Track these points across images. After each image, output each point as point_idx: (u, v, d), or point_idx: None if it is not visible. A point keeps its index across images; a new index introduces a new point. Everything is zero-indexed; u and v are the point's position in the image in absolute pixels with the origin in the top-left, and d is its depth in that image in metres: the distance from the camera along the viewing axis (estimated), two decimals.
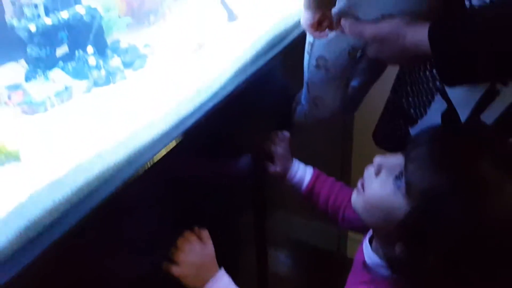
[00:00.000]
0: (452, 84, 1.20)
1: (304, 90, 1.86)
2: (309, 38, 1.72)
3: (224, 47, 2.03)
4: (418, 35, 1.16)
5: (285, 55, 2.05)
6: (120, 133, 1.26)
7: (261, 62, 1.98)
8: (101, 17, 1.80)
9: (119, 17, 2.06)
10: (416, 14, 1.23)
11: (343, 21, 1.33)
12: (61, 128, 1.34)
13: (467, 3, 1.17)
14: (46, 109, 1.43)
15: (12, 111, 1.43)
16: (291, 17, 2.34)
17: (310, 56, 1.73)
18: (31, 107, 1.41)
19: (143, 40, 2.11)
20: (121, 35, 2.09)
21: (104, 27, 1.86)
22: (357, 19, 1.30)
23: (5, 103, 1.45)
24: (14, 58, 1.65)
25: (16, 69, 1.65)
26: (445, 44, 1.13)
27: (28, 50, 1.56)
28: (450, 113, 1.30)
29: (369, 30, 1.28)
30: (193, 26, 2.15)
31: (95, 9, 1.79)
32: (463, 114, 1.26)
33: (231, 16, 2.21)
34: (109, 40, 1.95)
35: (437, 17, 1.19)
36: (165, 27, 2.30)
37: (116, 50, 1.92)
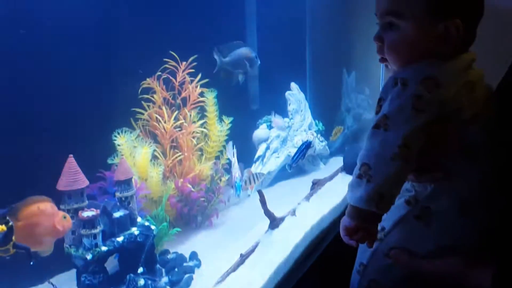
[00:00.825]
0: None
1: None
2: (361, 259, 1.66)
3: (265, 255, 2.08)
4: (480, 279, 1.15)
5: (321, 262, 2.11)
6: None
7: (299, 274, 2.02)
8: (154, 236, 1.89)
9: (169, 225, 2.17)
10: (472, 247, 1.23)
11: (394, 253, 1.32)
12: None
13: None
14: None
15: None
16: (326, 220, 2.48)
17: (361, 277, 1.65)
18: None
19: (190, 245, 2.20)
20: (169, 243, 2.18)
21: (155, 241, 1.94)
22: (409, 251, 1.29)
23: None
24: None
25: None
26: None
27: (82, 279, 1.63)
28: None
29: (427, 268, 1.26)
30: (236, 233, 2.21)
31: (148, 227, 1.90)
32: None
33: (273, 225, 2.28)
34: (157, 250, 2.03)
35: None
36: (211, 232, 2.39)
37: (164, 263, 1.99)
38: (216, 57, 2.35)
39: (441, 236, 1.19)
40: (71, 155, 1.77)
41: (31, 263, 1.61)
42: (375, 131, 1.10)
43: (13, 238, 1.52)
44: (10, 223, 1.50)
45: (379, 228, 1.19)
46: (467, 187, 1.17)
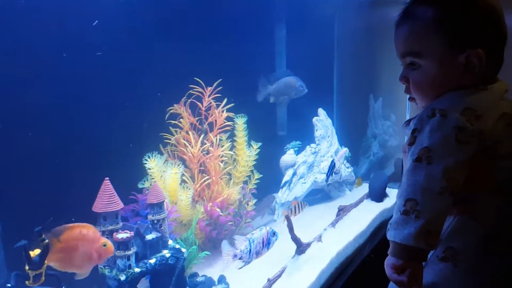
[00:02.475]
0: None
1: None
2: None
3: (291, 280, 2.09)
4: None
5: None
6: None
7: None
8: (184, 258, 1.92)
9: (198, 248, 2.20)
10: (499, 285, 1.19)
11: None
12: None
13: None
14: None
15: None
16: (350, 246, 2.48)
17: None
18: None
19: (218, 269, 2.22)
20: (198, 266, 2.21)
21: (185, 264, 1.97)
22: None
23: None
24: None
25: None
26: None
27: None
28: None
29: None
30: (264, 257, 2.22)
31: (179, 249, 1.94)
32: None
33: (299, 250, 2.30)
34: (187, 273, 2.06)
35: None
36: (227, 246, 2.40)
37: (194, 286, 2.01)
38: (260, 85, 2.45)
39: (470, 275, 1.16)
40: (107, 178, 1.83)
41: (63, 287, 1.67)
42: (417, 164, 1.06)
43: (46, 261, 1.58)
44: (46, 241, 1.56)
45: None
46: (494, 224, 1.14)
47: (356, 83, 3.78)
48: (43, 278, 1.58)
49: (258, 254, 1.94)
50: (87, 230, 1.54)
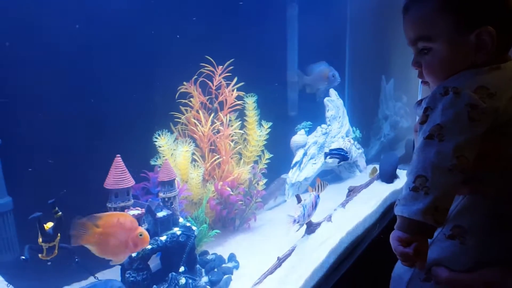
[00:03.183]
0: None
1: None
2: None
3: (301, 259, 2.09)
4: None
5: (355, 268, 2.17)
6: None
7: (335, 278, 2.05)
8: (195, 236, 1.93)
9: (208, 226, 2.21)
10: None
11: (435, 271, 1.31)
12: None
13: None
14: None
15: None
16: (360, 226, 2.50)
17: None
18: None
19: (228, 247, 2.23)
20: (208, 244, 2.22)
21: (195, 242, 1.98)
22: (448, 268, 1.28)
23: None
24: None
25: None
26: None
27: (127, 275, 1.68)
28: None
29: (468, 281, 1.24)
30: (274, 236, 2.23)
31: (190, 227, 1.94)
32: None
33: (309, 230, 2.30)
34: (197, 251, 2.07)
35: None
36: (249, 234, 2.42)
37: (204, 264, 2.02)
38: (296, 76, 2.61)
39: (479, 252, 1.17)
40: (119, 155, 1.84)
41: (76, 260, 1.68)
42: (429, 141, 1.07)
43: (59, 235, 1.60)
44: (59, 213, 1.58)
45: None
46: (505, 202, 1.13)
47: (368, 64, 3.73)
48: (56, 251, 1.60)
49: (310, 215, 2.23)
50: (124, 218, 1.55)
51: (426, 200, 1.03)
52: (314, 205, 2.23)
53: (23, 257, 1.54)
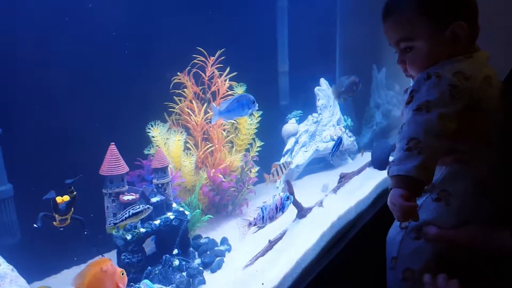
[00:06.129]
0: None
1: None
2: (391, 254, 1.70)
3: (293, 242, 2.16)
4: (501, 239, 1.29)
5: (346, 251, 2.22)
6: None
7: (326, 260, 2.11)
8: (187, 220, 2.00)
9: (201, 212, 2.29)
10: (489, 221, 1.34)
11: (425, 229, 1.43)
12: None
13: None
14: None
15: None
16: (352, 212, 2.55)
17: (395, 271, 1.68)
18: None
19: (221, 231, 2.30)
20: (201, 228, 2.30)
21: (188, 226, 2.06)
22: (437, 226, 1.41)
23: None
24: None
25: None
26: None
27: (122, 257, 1.76)
28: None
29: (456, 236, 1.37)
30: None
31: (183, 212, 2.02)
32: None
33: (300, 214, 2.36)
34: (190, 235, 2.15)
35: None
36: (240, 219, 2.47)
37: (197, 247, 2.10)
38: (332, 90, 2.93)
39: (461, 212, 1.35)
40: (113, 143, 1.91)
41: (85, 232, 1.74)
42: (418, 112, 1.23)
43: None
44: (75, 193, 1.65)
45: None
46: (482, 170, 1.32)
47: (360, 53, 3.77)
48: (69, 220, 1.68)
49: (272, 218, 2.10)
50: (106, 265, 1.52)
51: (419, 158, 1.18)
52: (281, 208, 2.13)
53: (36, 225, 1.61)
